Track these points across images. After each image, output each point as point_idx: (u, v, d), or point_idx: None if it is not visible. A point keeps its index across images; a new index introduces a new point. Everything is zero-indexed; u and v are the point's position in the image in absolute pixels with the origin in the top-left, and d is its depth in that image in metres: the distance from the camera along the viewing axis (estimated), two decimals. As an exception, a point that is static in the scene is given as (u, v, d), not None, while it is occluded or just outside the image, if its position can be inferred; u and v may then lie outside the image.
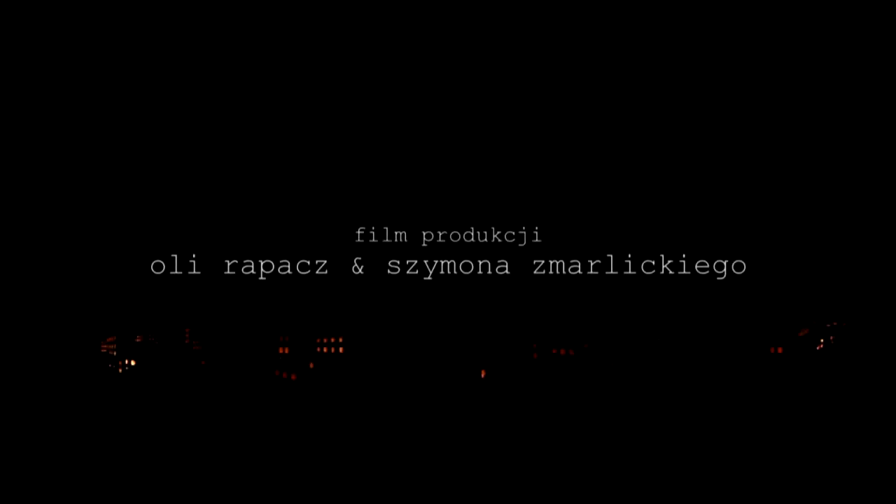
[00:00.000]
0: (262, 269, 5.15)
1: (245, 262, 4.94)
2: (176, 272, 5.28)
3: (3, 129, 4.60)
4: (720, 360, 5.61)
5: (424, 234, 5.54)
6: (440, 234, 5.53)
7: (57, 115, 4.74)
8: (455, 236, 5.53)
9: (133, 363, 5.71)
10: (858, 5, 5.44)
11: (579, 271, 5.70)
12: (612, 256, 5.67)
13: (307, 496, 4.98)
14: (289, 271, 5.30)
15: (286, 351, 5.81)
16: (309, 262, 5.34)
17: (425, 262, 5.56)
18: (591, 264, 5.68)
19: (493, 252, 5.40)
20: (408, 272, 5.61)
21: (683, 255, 5.67)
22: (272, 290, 5.36)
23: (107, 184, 5.02)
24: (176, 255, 5.21)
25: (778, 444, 5.37)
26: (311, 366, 5.79)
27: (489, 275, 5.32)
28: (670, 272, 5.70)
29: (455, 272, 5.52)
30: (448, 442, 5.32)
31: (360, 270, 5.57)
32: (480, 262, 5.45)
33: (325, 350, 5.82)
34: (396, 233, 5.52)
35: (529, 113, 5.36)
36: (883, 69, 5.50)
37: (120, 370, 5.71)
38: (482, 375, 5.78)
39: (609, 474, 5.19)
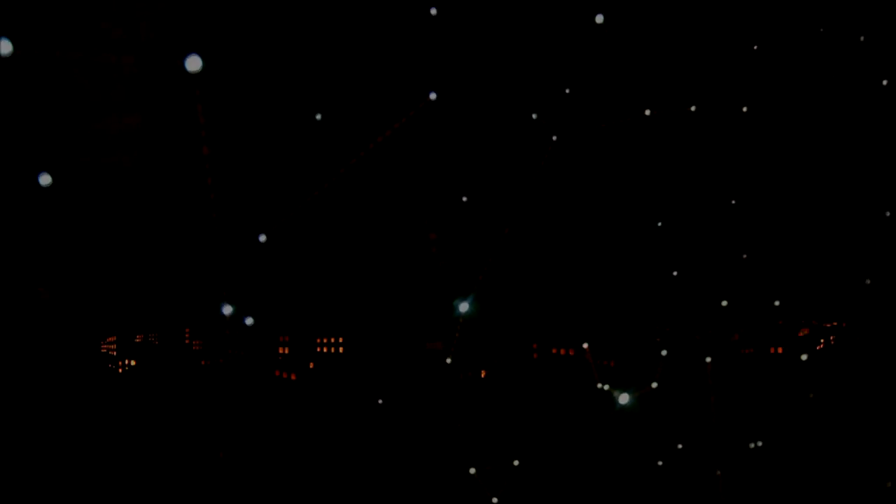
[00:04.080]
0: (261, 269, 5.15)
1: (245, 262, 4.95)
2: (176, 272, 5.29)
3: (2, 129, 4.60)
4: (719, 360, 5.61)
5: (423, 234, 5.53)
6: (439, 233, 5.53)
7: (53, 114, 4.75)
8: (454, 236, 5.53)
9: (133, 363, 5.71)
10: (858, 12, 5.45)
11: (579, 270, 5.70)
12: (610, 258, 5.67)
13: (307, 496, 4.98)
14: (288, 271, 5.30)
15: (286, 351, 5.81)
16: (308, 262, 5.35)
17: (424, 262, 5.56)
18: (591, 264, 5.68)
19: (492, 251, 5.40)
20: (407, 272, 5.61)
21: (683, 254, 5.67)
22: (272, 290, 5.36)
23: (105, 184, 5.02)
24: (175, 256, 5.22)
25: (777, 444, 5.36)
26: (311, 366, 5.79)
27: (488, 274, 5.32)
28: (669, 272, 5.70)
29: (454, 272, 5.52)
30: (448, 441, 5.32)
31: (359, 271, 5.57)
32: (479, 262, 5.45)
33: (325, 350, 5.82)
34: (395, 233, 5.52)
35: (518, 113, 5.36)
36: (882, 71, 5.50)
37: (120, 370, 5.71)
38: (482, 375, 5.78)
39: (609, 474, 5.18)
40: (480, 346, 5.73)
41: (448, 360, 5.13)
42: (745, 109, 5.34)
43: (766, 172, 5.63)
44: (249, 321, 4.37)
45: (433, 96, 4.47)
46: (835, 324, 5.92)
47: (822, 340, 5.92)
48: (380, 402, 5.17)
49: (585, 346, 5.36)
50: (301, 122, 5.02)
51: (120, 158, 4.82)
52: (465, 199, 5.13)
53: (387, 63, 4.95)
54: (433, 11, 4.64)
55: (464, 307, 4.80)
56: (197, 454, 5.05)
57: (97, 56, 4.56)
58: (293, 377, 5.74)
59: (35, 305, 4.96)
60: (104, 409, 5.28)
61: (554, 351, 5.88)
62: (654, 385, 5.24)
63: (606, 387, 5.23)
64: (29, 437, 4.85)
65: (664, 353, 5.30)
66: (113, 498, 4.80)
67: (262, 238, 4.48)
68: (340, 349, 5.80)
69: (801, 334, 5.93)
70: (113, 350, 5.68)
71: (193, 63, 3.30)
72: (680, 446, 5.16)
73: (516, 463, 4.97)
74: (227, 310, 4.10)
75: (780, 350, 5.90)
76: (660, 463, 5.14)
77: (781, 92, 5.55)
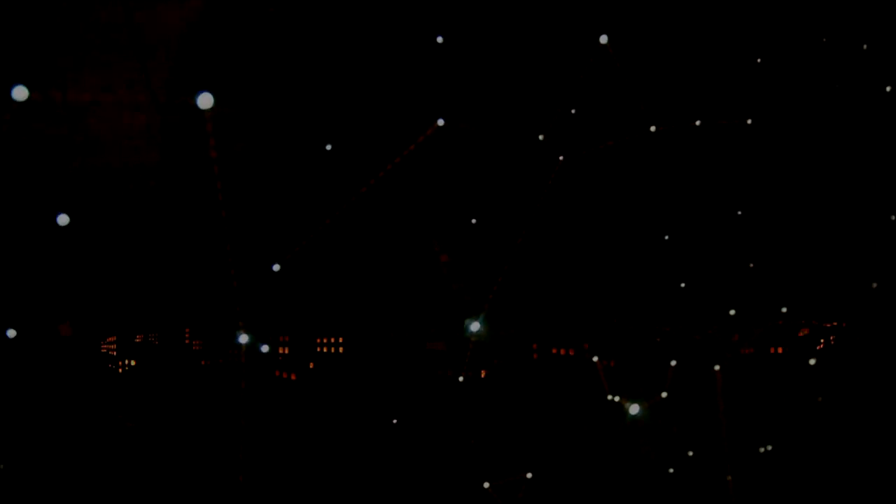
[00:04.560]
0: (261, 270, 5.15)
1: (245, 262, 4.95)
2: (176, 272, 5.29)
3: None
4: (719, 360, 5.61)
5: (422, 233, 5.54)
6: (438, 233, 5.53)
7: (51, 114, 4.75)
8: (454, 235, 5.53)
9: (133, 363, 5.71)
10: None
11: (579, 270, 5.70)
12: (609, 258, 5.67)
13: (307, 496, 4.98)
14: (288, 271, 5.30)
15: (286, 351, 5.81)
16: (308, 262, 5.35)
17: (423, 262, 5.56)
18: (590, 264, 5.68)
19: (492, 251, 5.40)
20: (406, 273, 5.62)
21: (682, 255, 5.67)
22: (272, 290, 5.36)
23: (105, 184, 5.02)
24: (176, 256, 5.22)
25: (777, 444, 5.36)
26: (311, 366, 5.79)
27: (488, 274, 5.32)
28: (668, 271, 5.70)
29: (454, 272, 5.52)
30: (448, 442, 5.32)
31: (359, 271, 5.57)
32: (479, 261, 5.46)
33: (325, 350, 5.82)
34: (393, 234, 5.52)
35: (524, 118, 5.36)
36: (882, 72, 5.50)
37: (120, 370, 5.70)
38: (482, 375, 5.77)
39: (609, 475, 5.18)
40: (480, 346, 5.73)
41: (461, 379, 5.16)
42: (749, 122, 5.36)
43: (769, 180, 5.64)
44: (265, 349, 4.40)
45: (441, 122, 4.51)
46: (835, 324, 5.92)
47: (822, 340, 5.92)
48: (394, 421, 5.22)
49: (595, 358, 5.37)
50: (312, 137, 5.05)
51: (124, 159, 4.82)
52: (474, 220, 5.19)
53: (395, 87, 4.99)
54: (439, 39, 4.70)
55: (475, 327, 4.81)
56: (196, 453, 5.05)
57: (110, 97, 4.58)
58: (293, 377, 5.74)
59: (38, 308, 4.96)
60: (104, 409, 5.28)
61: (554, 351, 5.88)
62: (664, 394, 5.25)
63: (617, 398, 5.23)
64: (30, 436, 4.85)
65: (673, 363, 5.31)
66: (113, 497, 4.80)
67: (276, 268, 4.53)
68: (340, 349, 5.80)
69: (800, 334, 5.93)
70: (113, 350, 5.68)
71: (205, 101, 3.33)
72: (690, 453, 5.17)
73: (529, 476, 4.98)
74: (244, 338, 4.11)
75: (780, 350, 5.90)
76: (671, 470, 5.15)
77: (783, 100, 5.55)
